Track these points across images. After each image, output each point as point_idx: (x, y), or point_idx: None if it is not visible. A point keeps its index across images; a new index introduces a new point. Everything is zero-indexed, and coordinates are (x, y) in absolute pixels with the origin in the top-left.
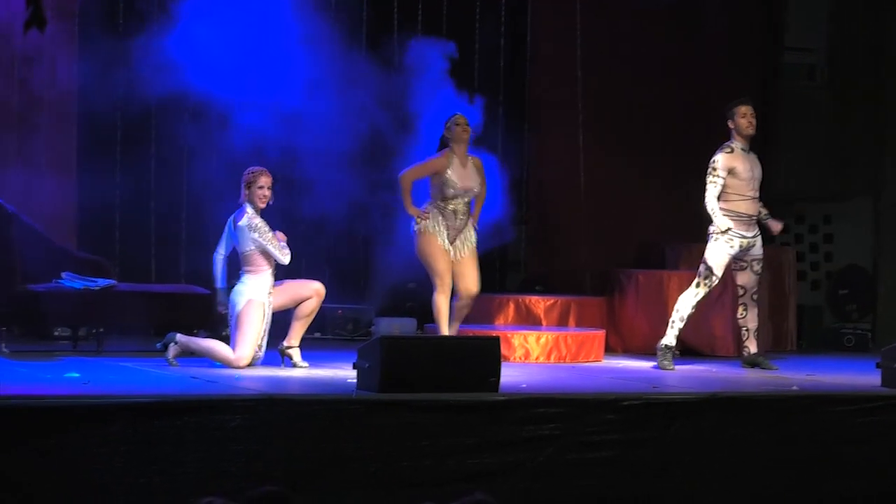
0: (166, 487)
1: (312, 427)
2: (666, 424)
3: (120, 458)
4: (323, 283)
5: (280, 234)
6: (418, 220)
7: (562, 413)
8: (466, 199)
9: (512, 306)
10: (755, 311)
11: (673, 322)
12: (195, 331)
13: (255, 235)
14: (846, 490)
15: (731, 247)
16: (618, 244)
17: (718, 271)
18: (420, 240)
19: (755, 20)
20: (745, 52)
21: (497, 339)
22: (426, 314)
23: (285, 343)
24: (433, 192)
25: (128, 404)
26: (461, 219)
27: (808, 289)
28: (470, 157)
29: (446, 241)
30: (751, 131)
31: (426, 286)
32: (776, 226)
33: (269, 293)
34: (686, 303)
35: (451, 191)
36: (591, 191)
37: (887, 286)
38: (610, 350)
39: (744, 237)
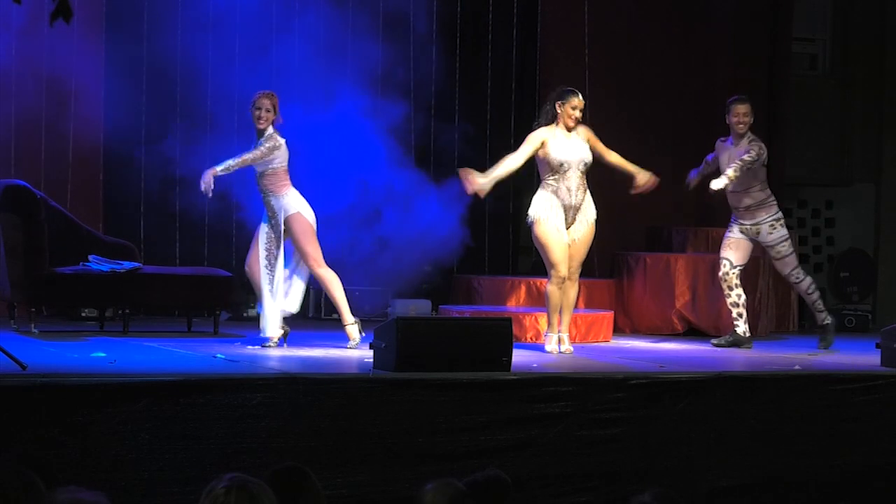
0: (190, 463)
1: (331, 405)
2: (672, 403)
3: (145, 435)
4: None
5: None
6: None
7: (571, 391)
8: (579, 172)
9: (524, 288)
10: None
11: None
12: (218, 311)
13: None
14: (846, 465)
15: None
16: (626, 228)
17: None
18: (536, 228)
19: (761, 9)
20: (752, 40)
21: (509, 320)
22: (441, 296)
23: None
24: (541, 170)
25: (153, 383)
26: (577, 195)
27: (810, 271)
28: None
29: (563, 225)
30: (740, 129)
31: (441, 269)
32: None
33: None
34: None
35: (556, 163)
36: (599, 176)
37: (887, 269)
38: (618, 331)
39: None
